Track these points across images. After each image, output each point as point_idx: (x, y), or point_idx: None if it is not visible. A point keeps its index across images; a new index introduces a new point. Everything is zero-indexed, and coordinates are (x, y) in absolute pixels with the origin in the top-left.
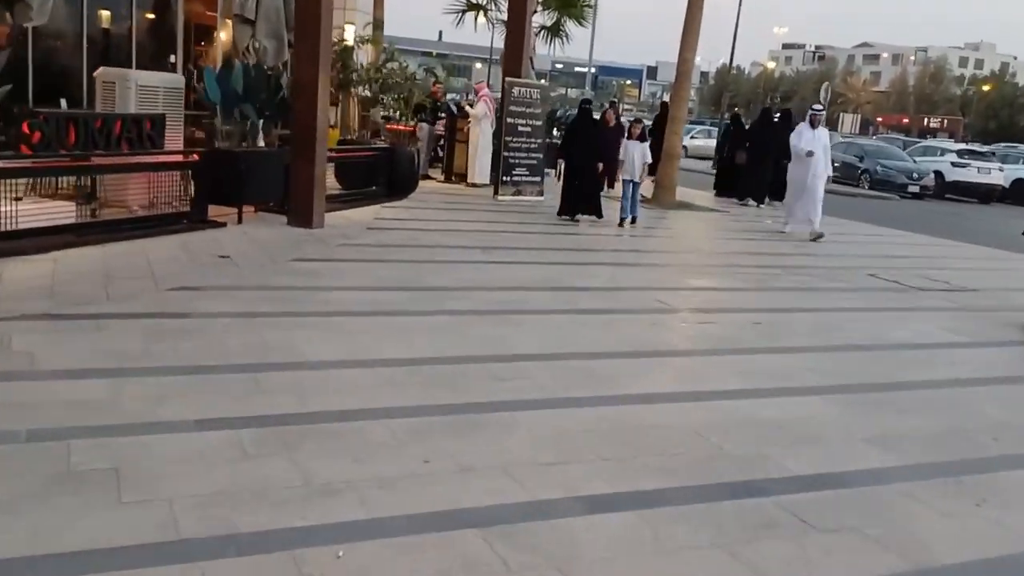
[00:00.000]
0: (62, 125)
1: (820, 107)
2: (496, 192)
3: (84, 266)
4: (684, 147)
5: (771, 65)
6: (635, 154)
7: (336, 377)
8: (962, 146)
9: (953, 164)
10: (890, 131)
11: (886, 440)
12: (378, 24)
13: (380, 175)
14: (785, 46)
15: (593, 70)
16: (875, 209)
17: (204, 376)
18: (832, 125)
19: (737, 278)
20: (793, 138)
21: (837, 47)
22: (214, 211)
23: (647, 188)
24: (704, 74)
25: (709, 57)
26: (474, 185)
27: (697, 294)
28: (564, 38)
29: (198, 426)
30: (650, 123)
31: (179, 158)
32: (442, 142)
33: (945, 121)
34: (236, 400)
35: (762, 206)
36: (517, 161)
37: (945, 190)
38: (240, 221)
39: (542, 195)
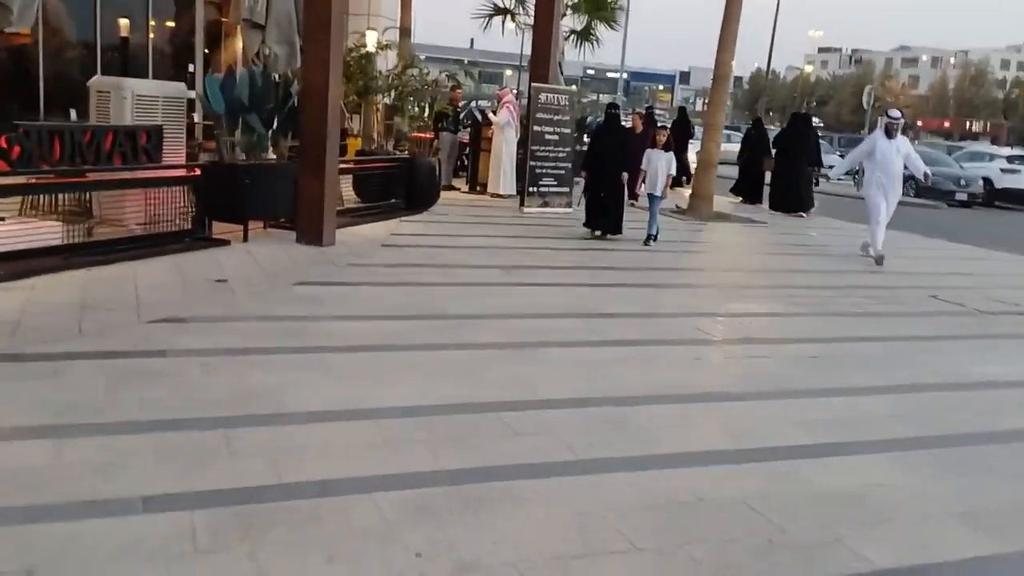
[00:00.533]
0: (45, 139)
1: (898, 114)
2: (521, 204)
3: (62, 295)
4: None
5: (808, 69)
6: (659, 165)
7: (323, 434)
8: (1012, 151)
9: (1003, 170)
10: (930, 135)
11: (978, 515)
12: (405, 31)
13: (399, 187)
14: (821, 50)
15: (625, 75)
16: (923, 218)
17: (166, 434)
18: (870, 129)
19: (785, 301)
20: (863, 147)
21: (874, 50)
22: (220, 228)
23: (679, 198)
24: (738, 79)
25: (743, 61)
26: (498, 196)
27: (742, 321)
28: (595, 42)
29: (145, 506)
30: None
31: (178, 173)
32: (468, 151)
33: (988, 125)
34: (198, 468)
35: (801, 215)
36: (544, 171)
37: (994, 197)
38: (246, 239)
39: (570, 206)
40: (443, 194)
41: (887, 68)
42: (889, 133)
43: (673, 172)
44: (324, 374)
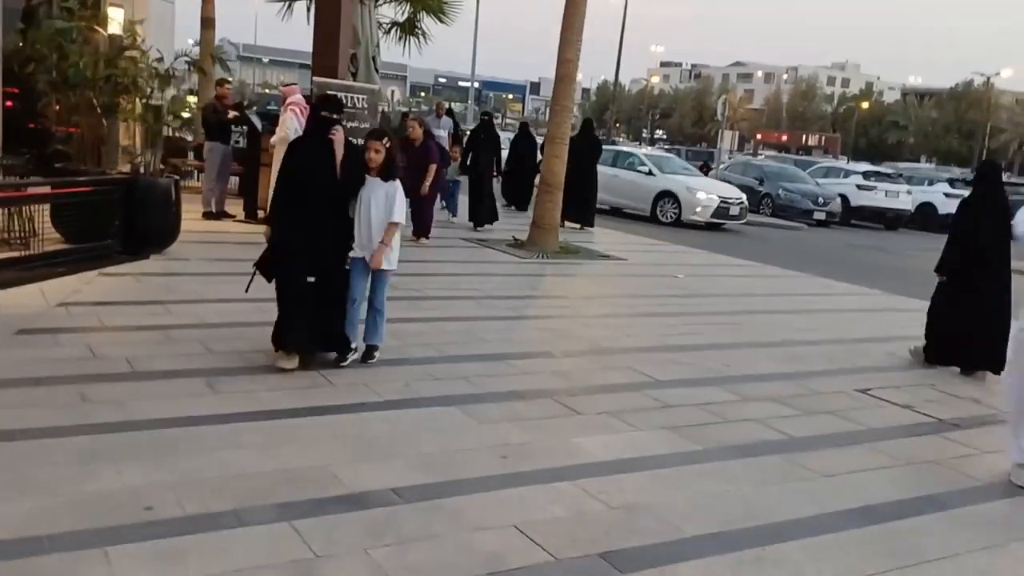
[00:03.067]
0: None
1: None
2: None
3: None
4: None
5: (655, 80)
6: (373, 204)
7: None
8: (868, 167)
9: (859, 187)
10: (766, 148)
11: None
12: (207, 22)
13: (110, 221)
14: (663, 64)
15: (476, 84)
16: (787, 242)
17: None
18: (712, 143)
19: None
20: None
21: (712, 65)
22: None
23: (516, 212)
24: (586, 90)
25: (590, 73)
26: None
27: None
28: (421, 37)
29: None
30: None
31: None
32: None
33: (823, 138)
34: None
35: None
36: None
37: (850, 215)
38: None
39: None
40: (209, 225)
41: (724, 83)
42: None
43: (399, 219)
44: None
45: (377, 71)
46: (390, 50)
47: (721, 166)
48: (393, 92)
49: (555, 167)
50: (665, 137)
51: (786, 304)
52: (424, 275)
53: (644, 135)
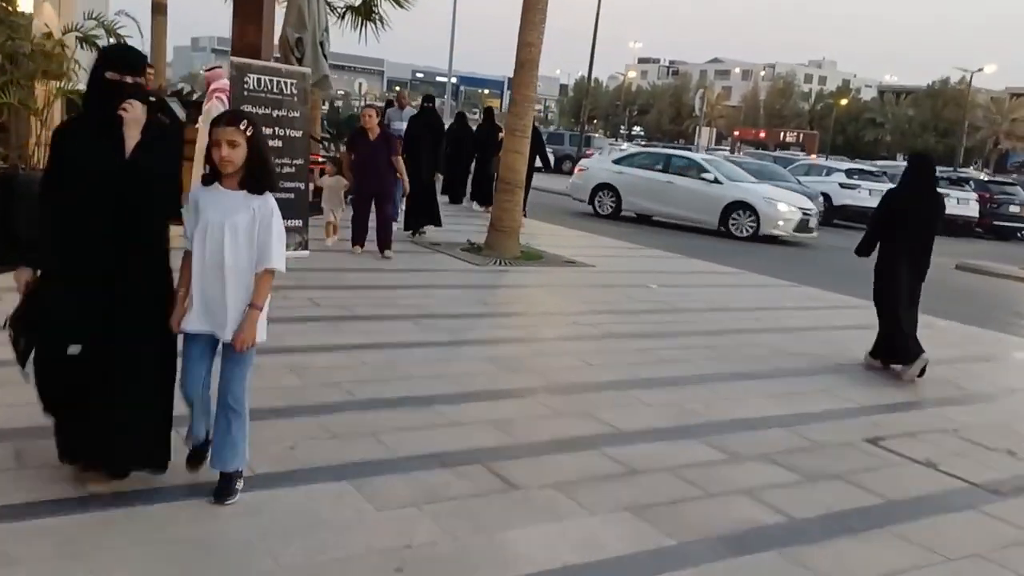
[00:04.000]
0: None
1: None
2: None
3: None
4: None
5: (632, 75)
6: (228, 227)
7: None
8: (850, 165)
9: (842, 185)
10: (744, 145)
11: None
12: (158, 7)
13: None
14: (641, 60)
15: (454, 80)
16: (769, 246)
17: None
18: (689, 139)
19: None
20: None
21: (690, 62)
22: None
23: (474, 216)
24: (564, 86)
25: (569, 70)
26: None
27: None
28: (379, 23)
29: None
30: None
31: None
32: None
33: (801, 136)
34: None
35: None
36: None
37: (833, 215)
38: None
39: (306, 247)
40: None
41: (702, 79)
42: None
43: (277, 264)
44: None
45: (326, 57)
46: (344, 36)
47: None
48: (361, 84)
49: (515, 163)
50: (643, 133)
51: (774, 320)
52: (356, 288)
53: (622, 131)
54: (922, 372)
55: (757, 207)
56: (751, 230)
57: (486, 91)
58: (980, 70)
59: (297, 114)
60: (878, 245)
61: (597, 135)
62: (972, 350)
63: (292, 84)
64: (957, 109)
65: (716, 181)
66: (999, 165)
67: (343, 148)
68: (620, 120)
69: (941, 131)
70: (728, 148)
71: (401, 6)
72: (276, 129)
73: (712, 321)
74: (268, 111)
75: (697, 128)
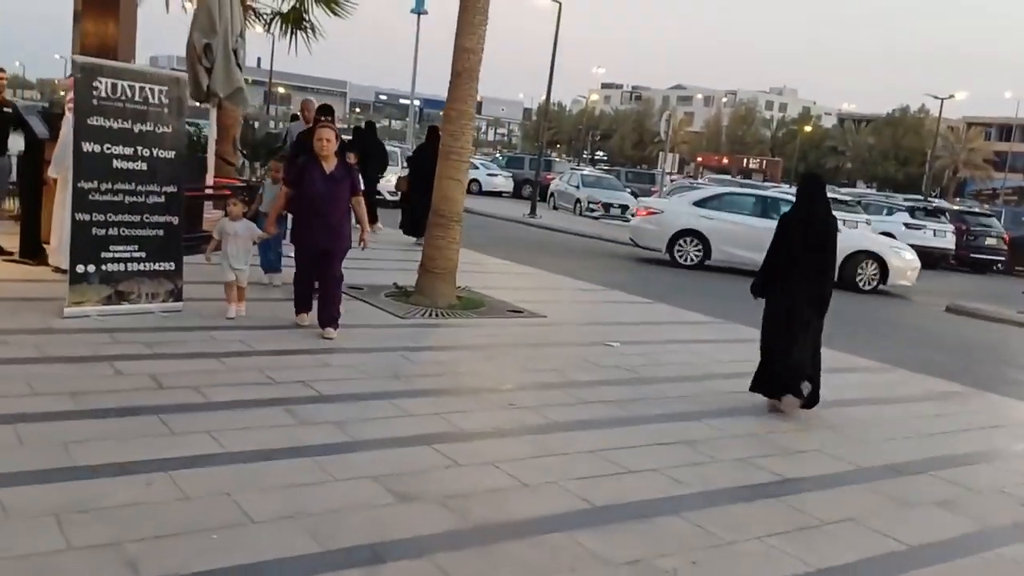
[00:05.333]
0: None
1: None
2: (70, 298)
3: None
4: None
5: (594, 98)
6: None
7: None
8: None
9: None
10: (706, 171)
11: None
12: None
13: None
14: (604, 85)
15: (417, 102)
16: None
17: None
18: (652, 164)
19: None
20: None
21: (653, 88)
22: None
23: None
24: (527, 110)
25: (533, 94)
26: (60, 271)
27: None
28: (311, 32)
29: None
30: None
31: None
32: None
33: (764, 162)
34: None
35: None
36: (115, 229)
37: None
38: None
39: (179, 298)
40: None
41: (665, 105)
42: None
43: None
44: None
45: (240, 67)
46: (263, 45)
47: (665, 190)
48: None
49: (451, 192)
50: (606, 159)
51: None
52: (232, 356)
53: (585, 155)
54: (811, 402)
55: (884, 256)
56: (874, 281)
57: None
58: (951, 97)
59: (168, 129)
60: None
61: (558, 159)
62: (981, 420)
63: (161, 92)
64: (916, 137)
65: None
66: (957, 193)
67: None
68: (583, 145)
69: (901, 159)
70: (691, 174)
71: (336, 14)
72: (139, 148)
73: (694, 396)
74: (127, 125)
75: (661, 153)
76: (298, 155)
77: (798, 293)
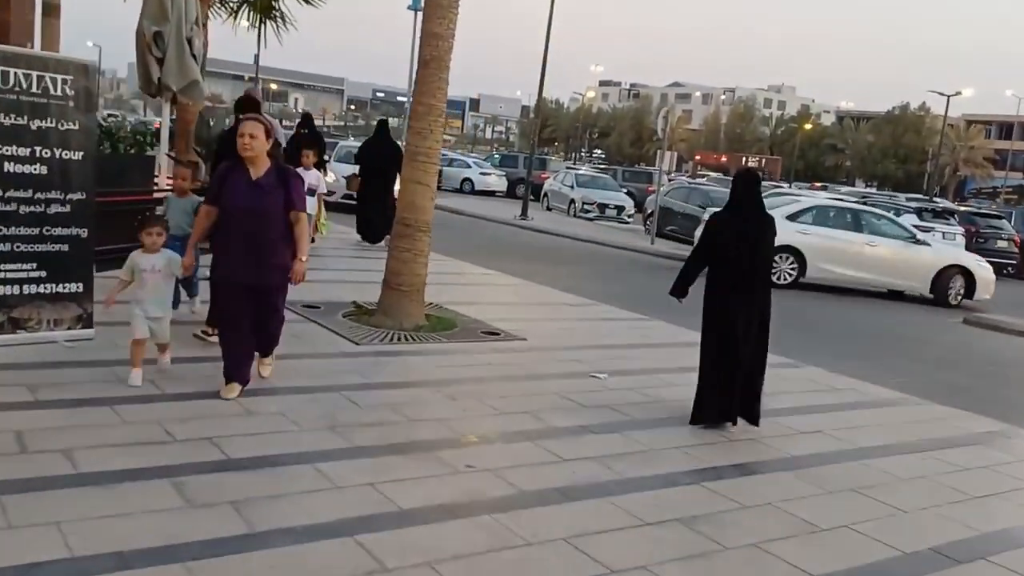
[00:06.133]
0: None
1: None
2: None
3: None
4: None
5: (591, 95)
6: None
7: None
8: (827, 196)
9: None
10: (705, 169)
11: None
12: (50, 8)
13: None
14: (602, 83)
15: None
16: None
17: None
18: (650, 162)
19: None
20: None
21: (651, 85)
22: None
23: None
24: (525, 107)
25: (532, 92)
26: None
27: None
28: (281, 21)
29: None
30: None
31: None
32: None
33: (763, 160)
34: None
35: None
36: (6, 246)
37: None
38: None
39: (89, 325)
40: None
41: (663, 103)
42: None
43: None
44: None
45: (195, 57)
46: (237, 36)
47: (662, 189)
48: (297, 100)
49: (418, 198)
50: (604, 157)
51: (815, 445)
52: (133, 402)
53: (583, 154)
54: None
55: (973, 270)
56: (961, 296)
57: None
58: (958, 93)
59: (74, 126)
60: (706, 281)
61: (553, 158)
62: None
63: (66, 82)
64: (917, 135)
65: (916, 241)
66: (958, 192)
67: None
68: (581, 143)
69: (901, 157)
70: (689, 172)
71: (309, 2)
72: (38, 149)
73: (689, 449)
74: (22, 121)
75: (659, 152)
76: (221, 159)
77: (737, 305)
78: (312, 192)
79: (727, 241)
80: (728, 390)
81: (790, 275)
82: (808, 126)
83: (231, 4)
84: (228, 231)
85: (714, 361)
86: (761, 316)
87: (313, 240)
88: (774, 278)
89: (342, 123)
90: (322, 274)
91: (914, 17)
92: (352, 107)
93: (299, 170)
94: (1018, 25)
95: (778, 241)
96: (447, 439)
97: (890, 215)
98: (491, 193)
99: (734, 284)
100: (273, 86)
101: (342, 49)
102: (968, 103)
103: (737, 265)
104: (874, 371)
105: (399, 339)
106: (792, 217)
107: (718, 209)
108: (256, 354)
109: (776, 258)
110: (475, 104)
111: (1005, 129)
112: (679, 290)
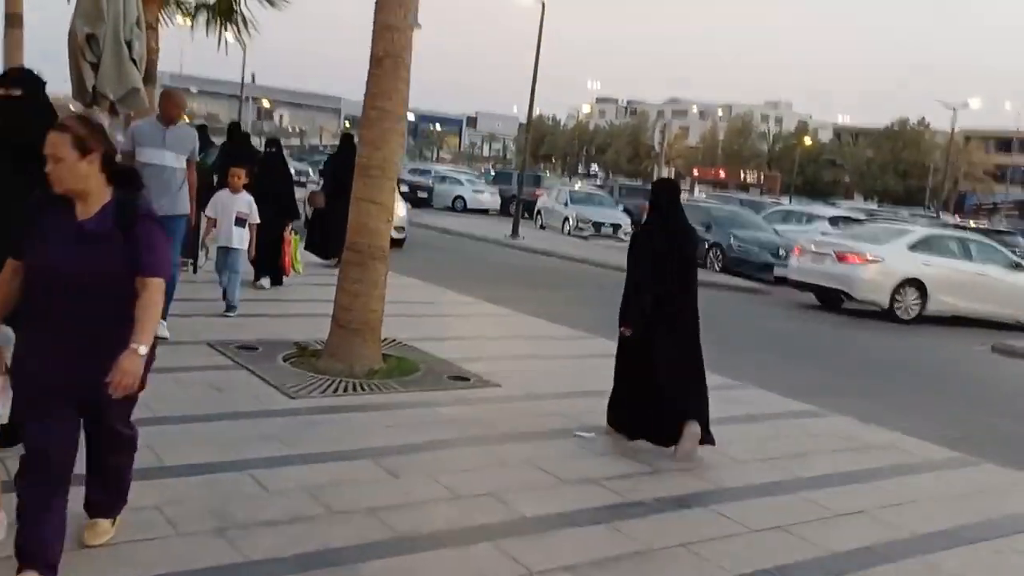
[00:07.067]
0: None
1: None
2: None
3: None
4: None
5: (586, 109)
6: None
7: None
8: (835, 211)
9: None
10: (702, 185)
11: None
12: (13, 19)
13: None
14: (599, 99)
15: (412, 116)
16: (751, 317)
17: None
18: (647, 179)
19: None
20: None
21: (648, 102)
22: None
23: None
24: (523, 124)
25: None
26: None
27: None
28: (243, 25)
29: None
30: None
31: None
32: None
33: (762, 176)
34: None
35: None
36: None
37: None
38: None
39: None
40: None
41: (660, 119)
42: None
43: None
44: None
45: (135, 62)
46: (196, 40)
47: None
48: (282, 117)
49: (370, 219)
50: (601, 174)
51: (860, 535)
52: None
53: (580, 170)
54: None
55: None
56: None
57: (436, 126)
58: (965, 105)
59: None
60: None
61: (548, 174)
62: None
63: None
64: (916, 150)
65: (1018, 267)
66: (957, 207)
67: None
68: (578, 159)
69: (901, 172)
70: (687, 189)
71: (273, 4)
72: None
73: (702, 558)
74: None
75: (656, 167)
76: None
77: (666, 320)
78: (242, 222)
79: (659, 251)
80: (636, 405)
81: (913, 309)
82: (808, 142)
83: (186, 6)
84: (37, 305)
85: (621, 372)
86: (688, 328)
87: (284, 278)
88: (897, 313)
89: (336, 142)
90: (272, 306)
91: (912, 32)
92: (348, 124)
93: (225, 193)
94: (1017, 40)
95: (906, 274)
96: (375, 544)
97: (991, 241)
98: (484, 211)
99: (659, 298)
100: (266, 103)
101: (337, 67)
102: (964, 118)
103: (664, 277)
104: (906, 414)
105: (345, 388)
106: (914, 248)
107: (641, 226)
108: (90, 515)
109: (898, 292)
110: (472, 121)
111: (1004, 143)
112: (638, 312)
